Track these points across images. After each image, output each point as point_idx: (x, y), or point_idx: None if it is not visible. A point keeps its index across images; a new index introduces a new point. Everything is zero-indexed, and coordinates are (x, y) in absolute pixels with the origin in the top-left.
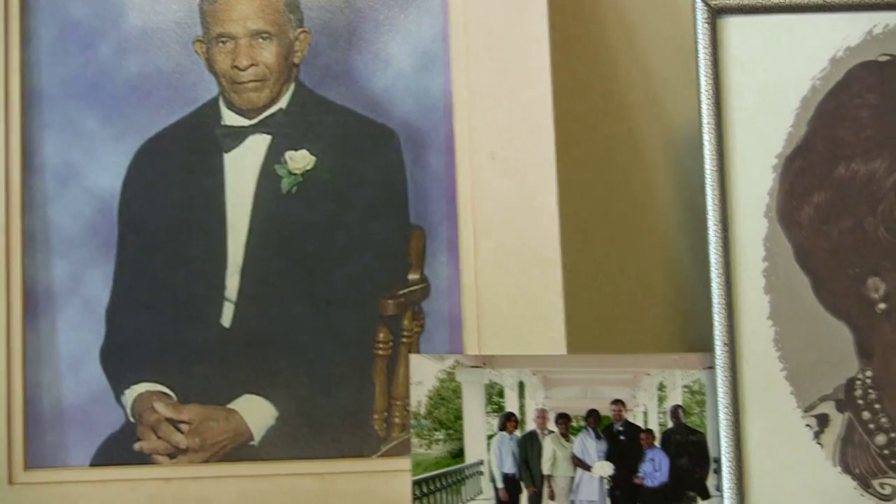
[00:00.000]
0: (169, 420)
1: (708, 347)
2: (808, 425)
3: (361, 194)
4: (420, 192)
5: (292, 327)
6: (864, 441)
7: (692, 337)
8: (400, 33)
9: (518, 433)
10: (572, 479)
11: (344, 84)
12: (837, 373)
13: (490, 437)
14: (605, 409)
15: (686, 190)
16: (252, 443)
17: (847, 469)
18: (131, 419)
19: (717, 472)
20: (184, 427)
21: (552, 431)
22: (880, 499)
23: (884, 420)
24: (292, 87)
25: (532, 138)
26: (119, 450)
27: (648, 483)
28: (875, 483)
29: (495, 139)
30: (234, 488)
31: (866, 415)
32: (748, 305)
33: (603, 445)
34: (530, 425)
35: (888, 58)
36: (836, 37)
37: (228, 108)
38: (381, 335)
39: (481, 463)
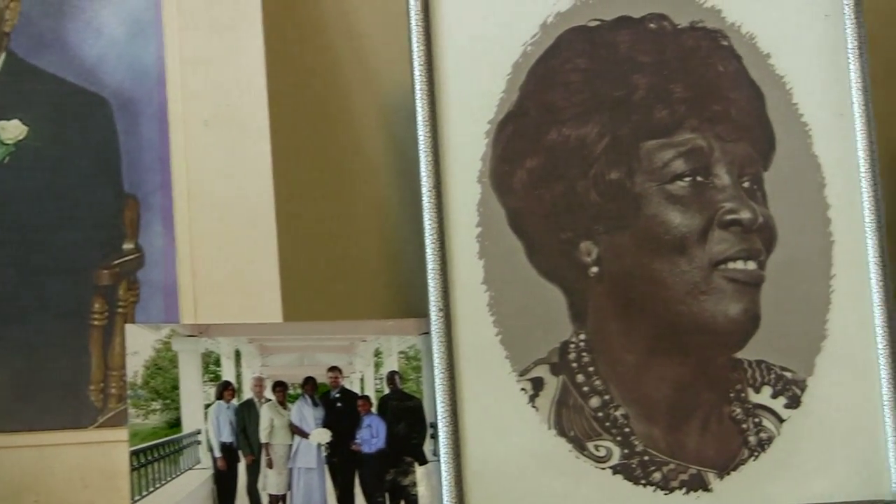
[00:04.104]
0: None
1: (423, 313)
2: (523, 389)
3: (74, 164)
4: (133, 160)
5: (5, 298)
6: (578, 404)
7: (408, 303)
8: (112, 1)
9: (235, 402)
10: (290, 446)
11: (56, 53)
12: (551, 336)
13: (207, 406)
14: (322, 377)
15: (400, 156)
16: None
17: (562, 432)
18: None
19: (434, 437)
20: None
21: (269, 399)
22: (595, 461)
23: (597, 383)
24: (3, 56)
25: (245, 105)
26: None
27: (366, 449)
28: (590, 445)
29: (208, 107)
30: None
31: (580, 378)
32: (462, 271)
33: (320, 412)
34: (247, 394)
35: (598, 23)
36: (547, 2)
37: None
38: (96, 305)
39: (199, 432)
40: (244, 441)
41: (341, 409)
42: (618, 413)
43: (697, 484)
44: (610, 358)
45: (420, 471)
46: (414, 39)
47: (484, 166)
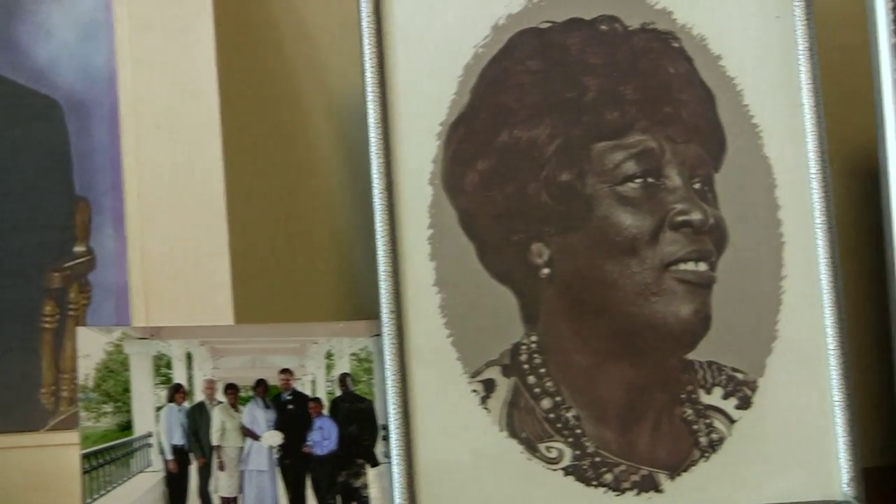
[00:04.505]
0: None
1: (375, 315)
2: (474, 391)
3: (26, 166)
4: (85, 163)
5: None
6: (530, 405)
7: (359, 305)
8: (62, 3)
9: (187, 404)
10: (242, 449)
11: (7, 55)
12: (503, 338)
13: (159, 408)
14: (274, 379)
15: (351, 158)
16: None
17: (514, 433)
18: None
19: (386, 438)
20: None
21: (221, 402)
22: (547, 462)
23: (549, 384)
24: None
25: (197, 108)
26: None
27: (317, 451)
28: (541, 447)
29: (160, 109)
30: None
31: (532, 379)
32: (414, 272)
33: (272, 415)
34: (199, 396)
35: (549, 24)
36: (498, 4)
37: None
38: (48, 308)
39: (150, 435)
40: (196, 444)
41: (293, 412)
42: (569, 414)
43: (649, 485)
44: (561, 359)
45: (371, 472)
46: (365, 41)
47: (435, 168)
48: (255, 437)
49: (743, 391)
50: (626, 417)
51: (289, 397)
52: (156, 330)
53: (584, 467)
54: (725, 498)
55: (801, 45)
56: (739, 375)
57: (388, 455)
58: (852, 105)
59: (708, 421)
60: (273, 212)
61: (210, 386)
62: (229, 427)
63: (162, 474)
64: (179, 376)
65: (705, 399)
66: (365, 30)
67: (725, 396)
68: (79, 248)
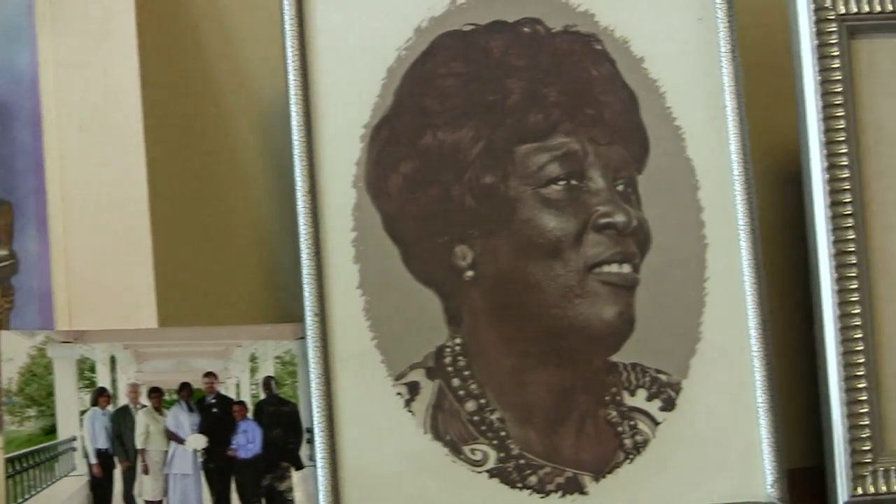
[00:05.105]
0: None
1: (299, 318)
2: (399, 393)
3: None
4: (7, 165)
5: None
6: (454, 408)
7: (284, 308)
8: None
9: (111, 408)
10: (166, 452)
11: None
12: (427, 341)
13: (83, 412)
14: (198, 382)
15: (275, 160)
16: None
17: (438, 436)
18: None
19: (310, 442)
20: None
21: (145, 405)
22: (471, 464)
23: (473, 387)
24: None
25: (120, 110)
26: None
27: (242, 455)
28: (466, 449)
29: (82, 111)
30: None
31: (456, 382)
32: (338, 275)
33: (196, 418)
34: (123, 400)
35: (472, 27)
36: (421, 7)
37: None
38: None
39: (74, 439)
40: (120, 447)
41: (217, 415)
42: (494, 417)
43: (573, 487)
44: (486, 362)
45: (296, 476)
46: (288, 44)
47: (359, 171)
48: (180, 441)
49: (667, 393)
50: (551, 419)
51: (213, 401)
52: (80, 333)
53: (509, 469)
54: (650, 499)
55: (724, 47)
56: (663, 377)
57: (312, 458)
58: (775, 107)
59: (632, 423)
60: (197, 214)
61: (134, 389)
62: (153, 431)
63: (86, 478)
64: (103, 380)
65: (629, 401)
66: (288, 32)
67: (649, 398)
68: (1, 252)
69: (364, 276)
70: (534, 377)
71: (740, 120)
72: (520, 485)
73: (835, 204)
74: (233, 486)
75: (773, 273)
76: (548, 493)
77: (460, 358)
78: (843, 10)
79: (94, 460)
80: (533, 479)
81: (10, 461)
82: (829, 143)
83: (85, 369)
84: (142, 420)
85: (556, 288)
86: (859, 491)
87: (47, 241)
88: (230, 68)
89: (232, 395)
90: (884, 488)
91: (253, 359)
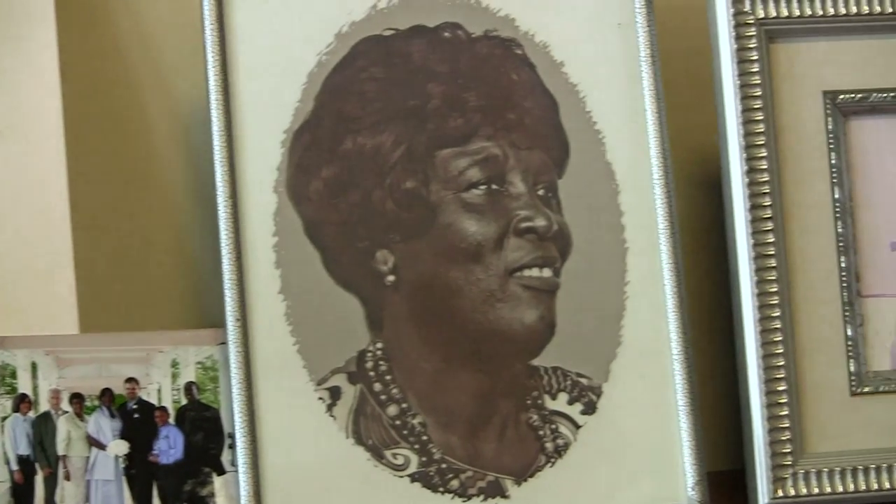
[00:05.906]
0: None
1: (220, 323)
2: (320, 398)
3: None
4: None
5: None
6: (376, 412)
7: (205, 313)
8: None
9: (32, 414)
10: (88, 458)
11: None
12: (349, 345)
13: (4, 419)
14: (119, 388)
15: (196, 165)
16: None
17: (360, 440)
18: None
19: (232, 447)
20: None
21: (66, 411)
22: (393, 469)
23: (395, 391)
24: None
25: (39, 116)
26: None
27: (164, 460)
28: (388, 454)
29: (2, 118)
30: None
31: (378, 386)
32: (259, 280)
33: (118, 424)
34: (44, 406)
35: (393, 32)
36: (341, 11)
37: None
38: None
39: None
40: (41, 454)
41: (139, 421)
42: (415, 421)
43: (495, 491)
44: (407, 366)
45: (218, 481)
46: (208, 48)
47: (280, 175)
48: (101, 447)
49: (588, 396)
50: (472, 423)
51: (134, 406)
52: (1, 340)
53: (431, 474)
54: (571, 503)
55: (644, 51)
56: (584, 381)
57: (234, 463)
58: (695, 111)
59: (553, 426)
60: (117, 220)
61: (55, 395)
62: (75, 437)
63: (7, 485)
64: (24, 386)
65: (550, 405)
66: (208, 37)
67: (571, 402)
68: None
69: (286, 282)
70: (455, 381)
71: (660, 124)
72: (442, 489)
73: (754, 207)
74: (155, 491)
75: (694, 277)
76: (470, 497)
77: (382, 363)
78: (761, 14)
79: (15, 467)
80: (455, 484)
81: None
82: (749, 146)
83: (6, 375)
84: (63, 426)
85: (478, 292)
86: (780, 493)
87: None
88: (151, 73)
89: (153, 400)
90: (804, 490)
91: (174, 364)
